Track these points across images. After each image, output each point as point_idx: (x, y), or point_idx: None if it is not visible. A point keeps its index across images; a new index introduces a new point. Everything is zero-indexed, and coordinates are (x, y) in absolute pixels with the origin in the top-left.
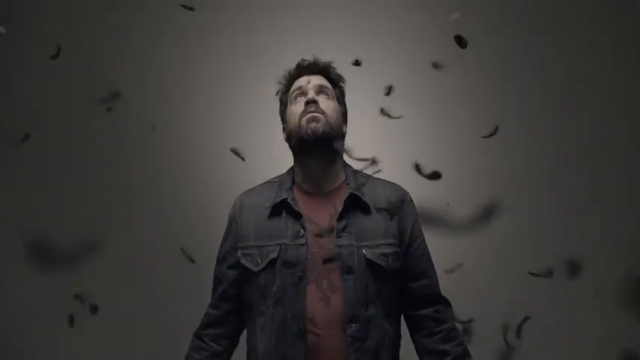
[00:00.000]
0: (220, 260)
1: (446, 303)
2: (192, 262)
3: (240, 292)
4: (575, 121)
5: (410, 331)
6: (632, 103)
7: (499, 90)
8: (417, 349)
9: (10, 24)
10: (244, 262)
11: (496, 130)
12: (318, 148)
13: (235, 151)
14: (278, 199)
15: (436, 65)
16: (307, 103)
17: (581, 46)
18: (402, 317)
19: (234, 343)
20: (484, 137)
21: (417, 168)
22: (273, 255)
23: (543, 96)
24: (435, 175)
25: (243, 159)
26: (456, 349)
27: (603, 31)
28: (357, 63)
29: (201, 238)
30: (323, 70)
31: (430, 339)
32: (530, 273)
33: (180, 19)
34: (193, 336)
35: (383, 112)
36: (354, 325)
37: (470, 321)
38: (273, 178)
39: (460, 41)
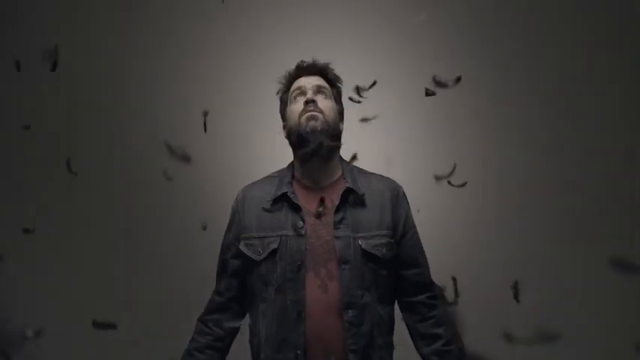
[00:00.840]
0: (224, 250)
1: (438, 289)
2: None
3: (242, 280)
4: (570, 124)
5: (404, 317)
6: (627, 102)
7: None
8: (410, 333)
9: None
10: (247, 251)
11: (454, 168)
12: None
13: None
14: (279, 193)
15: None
16: (306, 102)
17: (575, 46)
18: (396, 303)
19: (236, 328)
20: (451, 184)
21: (434, 83)
22: (274, 245)
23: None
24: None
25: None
26: (447, 333)
27: (597, 31)
28: (358, 93)
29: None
30: (321, 71)
31: (423, 323)
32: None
33: (184, 21)
34: (198, 321)
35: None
36: (350, 311)
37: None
38: (273, 173)
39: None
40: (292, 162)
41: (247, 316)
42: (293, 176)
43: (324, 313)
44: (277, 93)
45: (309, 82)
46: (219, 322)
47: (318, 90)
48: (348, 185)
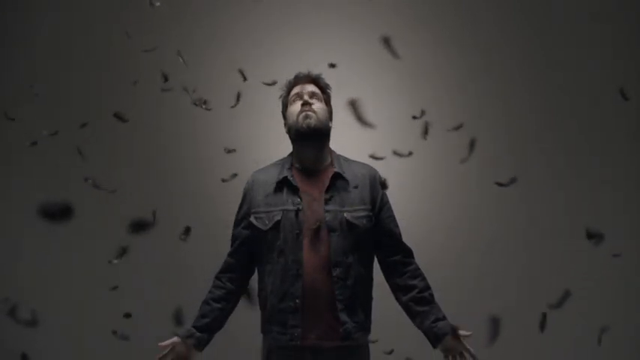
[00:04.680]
0: (237, 222)
1: (409, 250)
2: None
3: (251, 247)
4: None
5: (385, 275)
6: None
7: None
8: (391, 288)
9: None
10: (256, 223)
11: None
12: (311, 138)
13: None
14: (281, 177)
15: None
16: (303, 104)
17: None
18: (378, 264)
19: (244, 285)
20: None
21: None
22: (278, 218)
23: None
24: None
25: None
26: (421, 283)
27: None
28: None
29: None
30: (314, 80)
31: (401, 278)
32: None
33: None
34: (214, 277)
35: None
36: (338, 269)
37: None
38: (277, 161)
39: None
40: (292, 152)
41: (256, 275)
42: (292, 163)
43: (317, 270)
44: (279, 97)
45: (305, 88)
46: (231, 279)
47: (312, 95)
48: (336, 170)
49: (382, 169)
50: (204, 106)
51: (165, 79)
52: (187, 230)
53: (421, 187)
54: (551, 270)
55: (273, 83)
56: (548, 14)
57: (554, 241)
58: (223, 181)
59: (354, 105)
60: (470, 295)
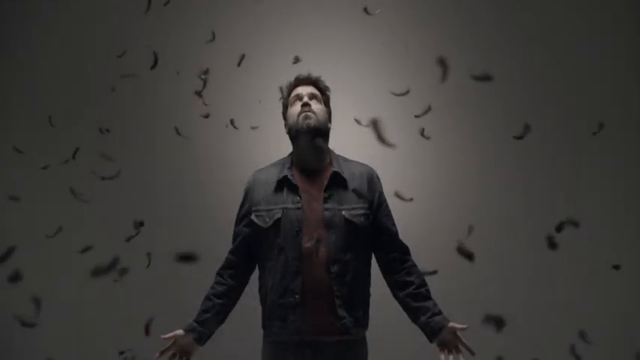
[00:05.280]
0: (238, 220)
1: (406, 247)
2: None
3: (251, 244)
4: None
5: (382, 271)
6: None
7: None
8: (388, 283)
9: None
10: (257, 221)
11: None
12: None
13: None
14: (281, 176)
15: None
16: (303, 105)
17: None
18: (376, 261)
19: (245, 281)
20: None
21: None
22: (278, 215)
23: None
24: None
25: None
26: (417, 280)
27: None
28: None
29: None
30: (314, 82)
31: (398, 274)
32: None
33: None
34: (216, 273)
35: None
36: (336, 265)
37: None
38: (278, 160)
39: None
40: (292, 152)
41: (256, 272)
42: (292, 163)
43: (316, 267)
44: (280, 99)
45: (305, 90)
46: (232, 275)
47: (312, 96)
48: (334, 170)
49: (380, 165)
50: (203, 77)
51: (155, 64)
52: None
53: (421, 187)
54: (551, 270)
55: (243, 67)
56: (548, 14)
57: (554, 241)
58: None
59: (375, 125)
60: (470, 295)
